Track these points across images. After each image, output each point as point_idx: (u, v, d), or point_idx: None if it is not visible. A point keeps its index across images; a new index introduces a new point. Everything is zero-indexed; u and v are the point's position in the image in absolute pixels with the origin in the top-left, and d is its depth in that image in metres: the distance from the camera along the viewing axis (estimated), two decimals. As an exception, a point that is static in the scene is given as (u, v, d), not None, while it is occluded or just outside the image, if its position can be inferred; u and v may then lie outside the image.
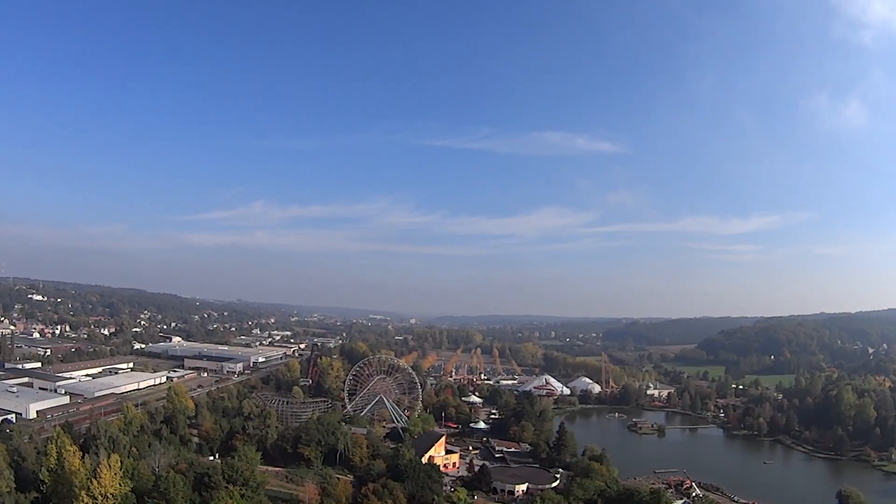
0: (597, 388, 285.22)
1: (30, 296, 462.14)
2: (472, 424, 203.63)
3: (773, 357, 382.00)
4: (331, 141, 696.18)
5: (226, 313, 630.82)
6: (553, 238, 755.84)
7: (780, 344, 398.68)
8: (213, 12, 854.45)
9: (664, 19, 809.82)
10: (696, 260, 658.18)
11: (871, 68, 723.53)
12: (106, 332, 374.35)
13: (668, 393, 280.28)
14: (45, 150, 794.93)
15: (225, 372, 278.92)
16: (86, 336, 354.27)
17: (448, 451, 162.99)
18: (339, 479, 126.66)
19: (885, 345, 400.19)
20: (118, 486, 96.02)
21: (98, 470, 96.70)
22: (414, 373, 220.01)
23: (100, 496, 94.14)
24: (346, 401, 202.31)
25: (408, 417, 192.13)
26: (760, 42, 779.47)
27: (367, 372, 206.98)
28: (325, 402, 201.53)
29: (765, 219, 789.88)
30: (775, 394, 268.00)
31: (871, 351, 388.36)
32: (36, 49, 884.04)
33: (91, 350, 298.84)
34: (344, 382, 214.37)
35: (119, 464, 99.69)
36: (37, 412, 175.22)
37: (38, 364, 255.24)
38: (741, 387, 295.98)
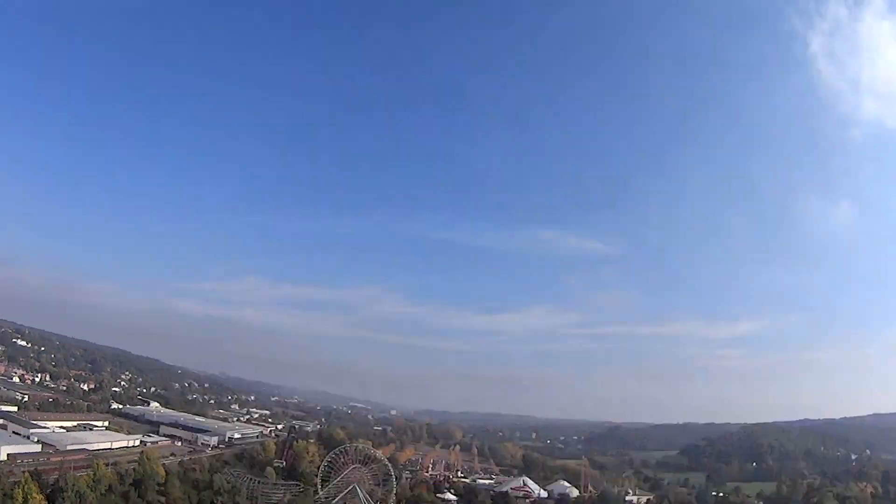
0: (575, 493, 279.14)
1: (14, 339, 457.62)
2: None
3: (755, 464, 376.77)
4: (327, 223, 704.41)
5: (206, 385, 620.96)
6: (540, 337, 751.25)
7: (762, 451, 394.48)
8: (218, 80, 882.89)
9: (662, 121, 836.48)
10: (681, 365, 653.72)
11: (862, 166, 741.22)
12: (85, 387, 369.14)
13: (648, 500, 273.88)
14: (46, 197, 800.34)
15: (199, 443, 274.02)
16: (65, 388, 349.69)
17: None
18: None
19: (867, 451, 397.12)
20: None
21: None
22: (390, 465, 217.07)
23: None
24: (319, 487, 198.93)
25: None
26: (753, 142, 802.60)
27: (342, 460, 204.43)
28: (297, 485, 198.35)
29: (753, 323, 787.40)
30: (756, 501, 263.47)
31: (853, 457, 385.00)
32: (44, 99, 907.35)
33: (68, 402, 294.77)
34: (318, 468, 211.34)
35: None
36: (7, 455, 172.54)
37: (15, 408, 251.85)
38: (722, 494, 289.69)
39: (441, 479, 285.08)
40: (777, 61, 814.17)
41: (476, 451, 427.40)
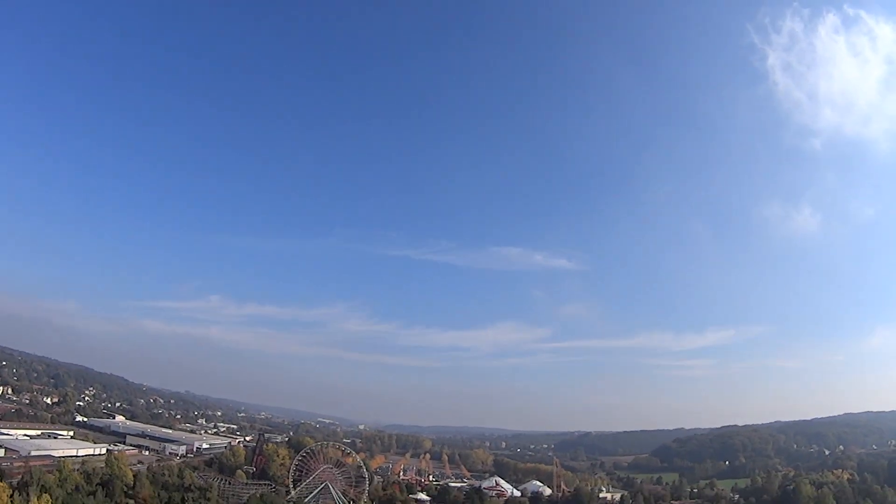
0: (548, 491, 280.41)
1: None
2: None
3: (727, 462, 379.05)
4: (290, 243, 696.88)
5: (172, 401, 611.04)
6: (508, 353, 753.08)
7: (735, 450, 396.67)
8: (178, 107, 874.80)
9: (624, 134, 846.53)
10: (650, 375, 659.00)
11: (822, 174, 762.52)
12: (49, 400, 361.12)
13: (622, 496, 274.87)
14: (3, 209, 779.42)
15: (167, 453, 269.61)
16: (27, 401, 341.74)
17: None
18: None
19: (841, 446, 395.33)
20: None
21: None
22: (363, 465, 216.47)
23: None
24: (291, 487, 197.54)
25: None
26: (714, 152, 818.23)
27: (313, 462, 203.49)
28: (268, 485, 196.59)
29: (720, 333, 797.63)
30: (732, 494, 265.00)
31: (826, 452, 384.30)
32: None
33: (32, 413, 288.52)
34: (289, 470, 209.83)
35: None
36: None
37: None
38: (696, 489, 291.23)
39: (413, 481, 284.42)
40: (737, 74, 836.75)
41: (446, 458, 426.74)
